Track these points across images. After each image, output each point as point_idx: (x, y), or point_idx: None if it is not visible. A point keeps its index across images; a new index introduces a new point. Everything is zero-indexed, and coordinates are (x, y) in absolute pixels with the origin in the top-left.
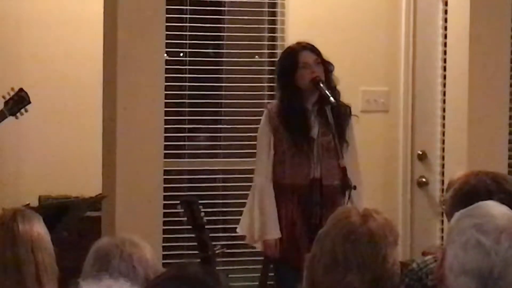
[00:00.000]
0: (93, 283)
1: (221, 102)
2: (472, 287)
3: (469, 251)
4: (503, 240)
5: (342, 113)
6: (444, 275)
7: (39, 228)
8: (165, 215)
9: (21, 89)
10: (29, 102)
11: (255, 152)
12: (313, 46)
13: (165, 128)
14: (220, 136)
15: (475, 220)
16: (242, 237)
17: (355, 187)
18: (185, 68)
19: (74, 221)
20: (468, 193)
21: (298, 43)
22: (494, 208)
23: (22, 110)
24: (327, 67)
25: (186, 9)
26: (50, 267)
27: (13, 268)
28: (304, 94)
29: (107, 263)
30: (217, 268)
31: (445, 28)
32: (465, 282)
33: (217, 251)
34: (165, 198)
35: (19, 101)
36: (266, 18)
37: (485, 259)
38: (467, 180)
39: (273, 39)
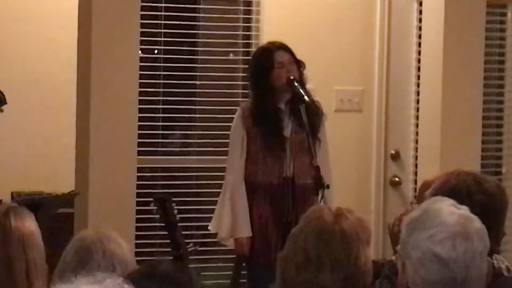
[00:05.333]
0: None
1: (195, 100)
2: None
3: (428, 266)
4: (458, 245)
5: (315, 112)
6: (408, 287)
7: (31, 226)
8: (138, 212)
9: None
10: (5, 103)
11: (228, 150)
12: (286, 45)
13: (139, 125)
14: (194, 134)
15: (427, 232)
16: (215, 235)
17: (328, 186)
18: (160, 66)
19: (47, 218)
20: (448, 192)
21: (271, 43)
22: (443, 212)
23: None
24: (299, 66)
25: (161, 6)
26: (40, 264)
27: (3, 264)
28: (278, 93)
29: (89, 256)
30: (190, 266)
31: (420, 28)
32: None
33: (189, 249)
34: (138, 195)
35: None
36: (241, 16)
37: (445, 270)
38: (448, 179)
39: (248, 37)
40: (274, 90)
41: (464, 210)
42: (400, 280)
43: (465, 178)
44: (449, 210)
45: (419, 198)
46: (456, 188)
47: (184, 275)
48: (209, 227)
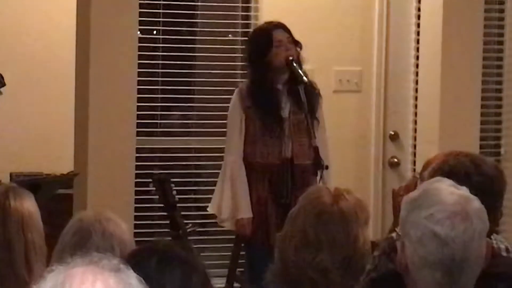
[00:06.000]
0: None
1: (194, 80)
2: (437, 277)
3: (427, 245)
4: (457, 224)
5: (313, 92)
6: (408, 266)
7: (30, 206)
8: (137, 193)
9: None
10: (4, 84)
11: (226, 131)
12: (284, 25)
13: (138, 106)
14: (192, 115)
15: (426, 211)
16: (214, 216)
17: (327, 167)
18: (159, 46)
19: (46, 199)
20: (446, 173)
21: (269, 23)
22: (442, 191)
23: None
24: (297, 46)
25: None
26: (39, 246)
27: (2, 245)
28: (275, 73)
29: (88, 237)
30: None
31: (419, 9)
32: (430, 274)
33: (188, 230)
34: (137, 176)
35: None
36: None
37: (444, 249)
38: (446, 160)
39: (247, 18)
40: (272, 70)
41: (464, 190)
42: (399, 260)
43: (463, 159)
44: (448, 190)
45: (422, 176)
46: (454, 169)
47: (184, 253)
48: (208, 209)
